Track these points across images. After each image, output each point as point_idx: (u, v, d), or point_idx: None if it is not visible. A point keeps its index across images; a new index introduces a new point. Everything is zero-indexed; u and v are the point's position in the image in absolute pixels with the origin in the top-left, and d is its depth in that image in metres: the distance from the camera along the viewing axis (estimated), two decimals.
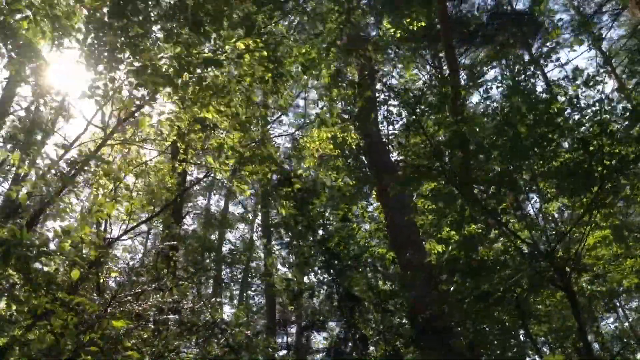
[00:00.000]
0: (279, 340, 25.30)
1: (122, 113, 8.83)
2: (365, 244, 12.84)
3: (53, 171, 6.89)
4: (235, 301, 30.32)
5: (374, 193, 15.65)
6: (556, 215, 9.43)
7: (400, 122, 11.05)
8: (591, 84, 7.70)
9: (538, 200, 8.96)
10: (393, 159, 14.61)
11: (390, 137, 16.69)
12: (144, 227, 21.85)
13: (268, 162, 11.07)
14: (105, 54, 7.71)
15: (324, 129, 14.15)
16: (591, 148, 7.51)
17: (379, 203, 14.58)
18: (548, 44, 16.55)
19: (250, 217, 30.26)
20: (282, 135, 23.61)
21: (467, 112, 9.38)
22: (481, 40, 21.46)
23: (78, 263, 6.19)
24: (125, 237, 12.36)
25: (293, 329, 24.81)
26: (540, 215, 8.70)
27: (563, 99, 8.02)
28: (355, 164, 15.96)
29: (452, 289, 9.38)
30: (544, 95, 8.24)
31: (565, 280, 8.01)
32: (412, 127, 8.81)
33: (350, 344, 12.14)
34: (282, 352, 21.03)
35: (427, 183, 9.30)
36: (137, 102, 8.61)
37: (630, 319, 25.83)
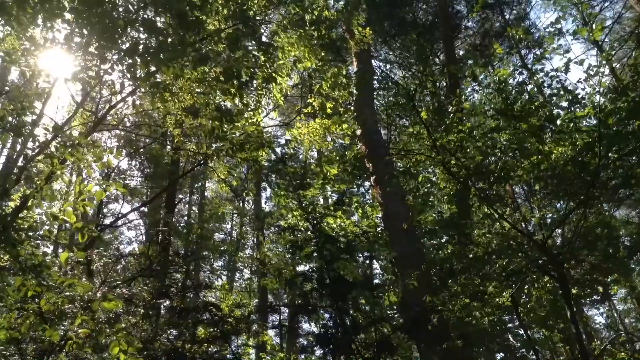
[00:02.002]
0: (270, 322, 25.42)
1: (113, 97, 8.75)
2: (356, 233, 12.75)
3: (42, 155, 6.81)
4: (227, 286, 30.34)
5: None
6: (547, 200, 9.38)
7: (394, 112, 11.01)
8: (592, 73, 7.65)
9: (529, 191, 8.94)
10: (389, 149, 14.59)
11: (388, 127, 16.67)
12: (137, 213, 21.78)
13: (261, 149, 11.05)
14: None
15: (318, 120, 14.10)
16: (589, 140, 7.48)
17: (375, 192, 14.55)
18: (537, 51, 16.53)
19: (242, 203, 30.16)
20: (277, 126, 23.44)
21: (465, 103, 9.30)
22: (465, 34, 21.54)
23: (68, 246, 6.13)
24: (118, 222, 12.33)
25: (285, 314, 24.91)
26: (535, 205, 8.70)
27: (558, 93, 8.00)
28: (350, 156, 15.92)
29: (449, 281, 9.37)
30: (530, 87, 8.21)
31: (558, 270, 8.02)
32: (409, 114, 8.76)
33: (340, 329, 12.13)
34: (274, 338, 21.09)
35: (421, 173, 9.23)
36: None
37: (620, 308, 26.11)
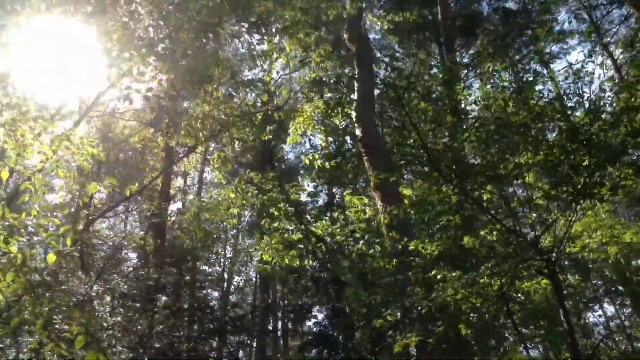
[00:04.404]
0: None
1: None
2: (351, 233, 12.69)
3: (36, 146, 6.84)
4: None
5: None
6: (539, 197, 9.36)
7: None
8: (581, 75, 7.65)
9: (523, 190, 8.92)
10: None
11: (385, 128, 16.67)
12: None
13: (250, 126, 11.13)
14: None
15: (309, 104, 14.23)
16: (581, 137, 7.46)
17: (375, 193, 14.52)
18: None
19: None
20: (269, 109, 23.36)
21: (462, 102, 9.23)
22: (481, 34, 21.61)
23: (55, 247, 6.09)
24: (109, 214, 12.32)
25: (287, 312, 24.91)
26: (526, 204, 8.67)
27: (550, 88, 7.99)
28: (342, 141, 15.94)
29: (438, 277, 9.34)
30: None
31: (551, 269, 8.00)
32: (399, 115, 8.73)
33: (335, 328, 12.16)
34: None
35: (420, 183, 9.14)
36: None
37: (617, 305, 26.06)
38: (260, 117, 12.66)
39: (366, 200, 12.23)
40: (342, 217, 12.17)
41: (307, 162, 15.06)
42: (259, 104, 15.25)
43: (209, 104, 10.47)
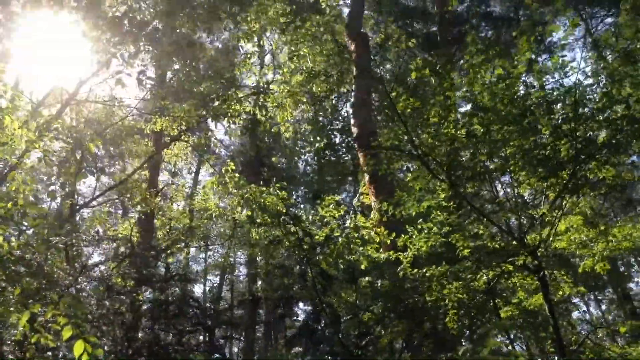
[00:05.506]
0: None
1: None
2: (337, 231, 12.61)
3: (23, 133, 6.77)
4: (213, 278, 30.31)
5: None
6: (526, 195, 9.39)
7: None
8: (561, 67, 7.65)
9: (509, 184, 8.94)
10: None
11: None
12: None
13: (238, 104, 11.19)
14: None
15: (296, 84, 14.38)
16: (565, 127, 7.48)
17: (369, 188, 14.53)
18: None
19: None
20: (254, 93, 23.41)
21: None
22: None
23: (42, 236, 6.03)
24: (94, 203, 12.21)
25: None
26: (513, 199, 8.70)
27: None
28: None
29: (424, 270, 9.36)
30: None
31: (537, 264, 8.03)
32: (389, 111, 8.72)
33: (322, 321, 12.15)
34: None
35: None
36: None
37: (603, 306, 26.47)
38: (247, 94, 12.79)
39: (337, 198, 12.24)
40: (317, 218, 12.12)
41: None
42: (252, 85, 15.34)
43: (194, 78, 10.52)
